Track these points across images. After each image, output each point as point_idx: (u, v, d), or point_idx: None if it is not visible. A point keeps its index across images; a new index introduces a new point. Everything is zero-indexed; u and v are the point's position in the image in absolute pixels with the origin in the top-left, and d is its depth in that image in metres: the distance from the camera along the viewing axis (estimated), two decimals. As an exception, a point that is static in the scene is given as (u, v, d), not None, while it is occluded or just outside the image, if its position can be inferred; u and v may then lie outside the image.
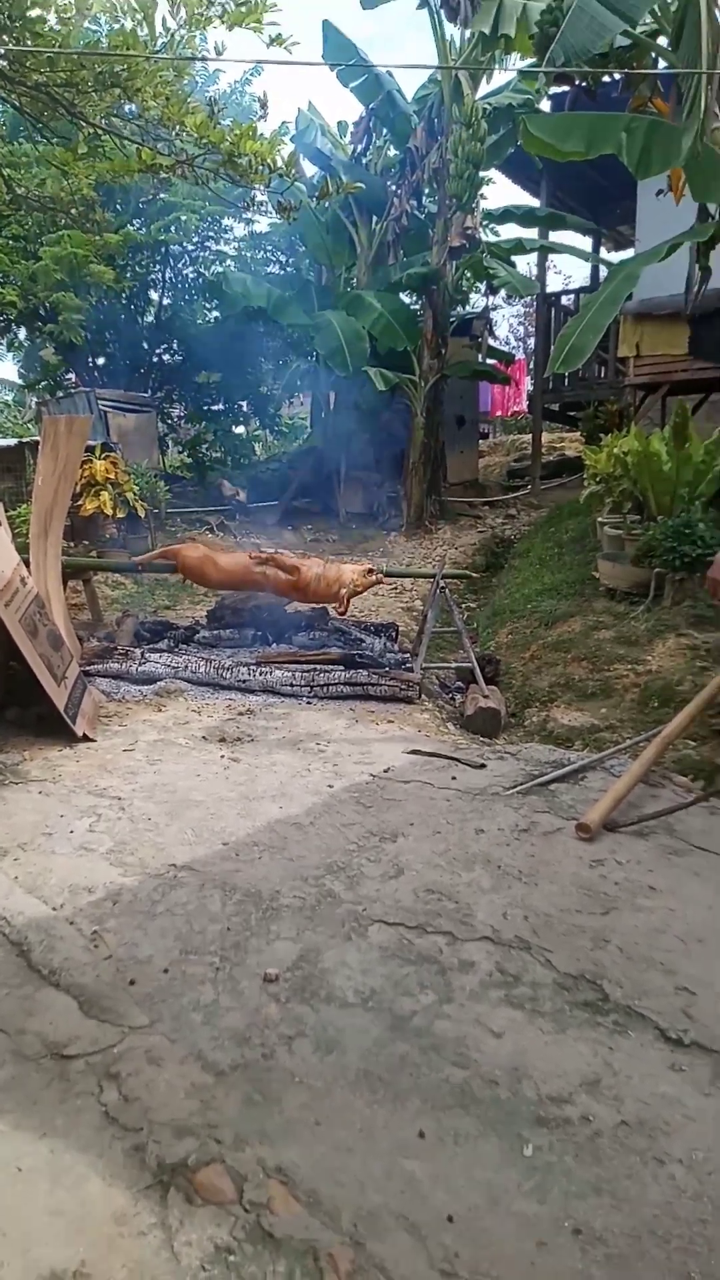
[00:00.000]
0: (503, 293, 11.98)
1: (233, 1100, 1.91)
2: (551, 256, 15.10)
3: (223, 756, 3.96)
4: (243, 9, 5.49)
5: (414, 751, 4.04)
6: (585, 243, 15.12)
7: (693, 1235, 1.63)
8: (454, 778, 3.69)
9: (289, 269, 14.53)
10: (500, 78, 12.31)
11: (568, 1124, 1.86)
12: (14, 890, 2.69)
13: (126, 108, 6.39)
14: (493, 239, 12.60)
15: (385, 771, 3.76)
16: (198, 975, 2.30)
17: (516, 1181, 1.74)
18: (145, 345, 13.70)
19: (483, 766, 3.83)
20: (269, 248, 14.52)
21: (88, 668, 5.22)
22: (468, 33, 10.93)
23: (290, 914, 2.58)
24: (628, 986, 2.27)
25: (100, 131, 6.75)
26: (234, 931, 2.49)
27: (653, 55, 7.08)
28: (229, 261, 13.96)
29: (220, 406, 14.98)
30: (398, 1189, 1.71)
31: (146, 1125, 1.84)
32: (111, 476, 8.33)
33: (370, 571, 5.85)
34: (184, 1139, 1.81)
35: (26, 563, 4.72)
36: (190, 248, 13.55)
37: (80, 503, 8.04)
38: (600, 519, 7.35)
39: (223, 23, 5.59)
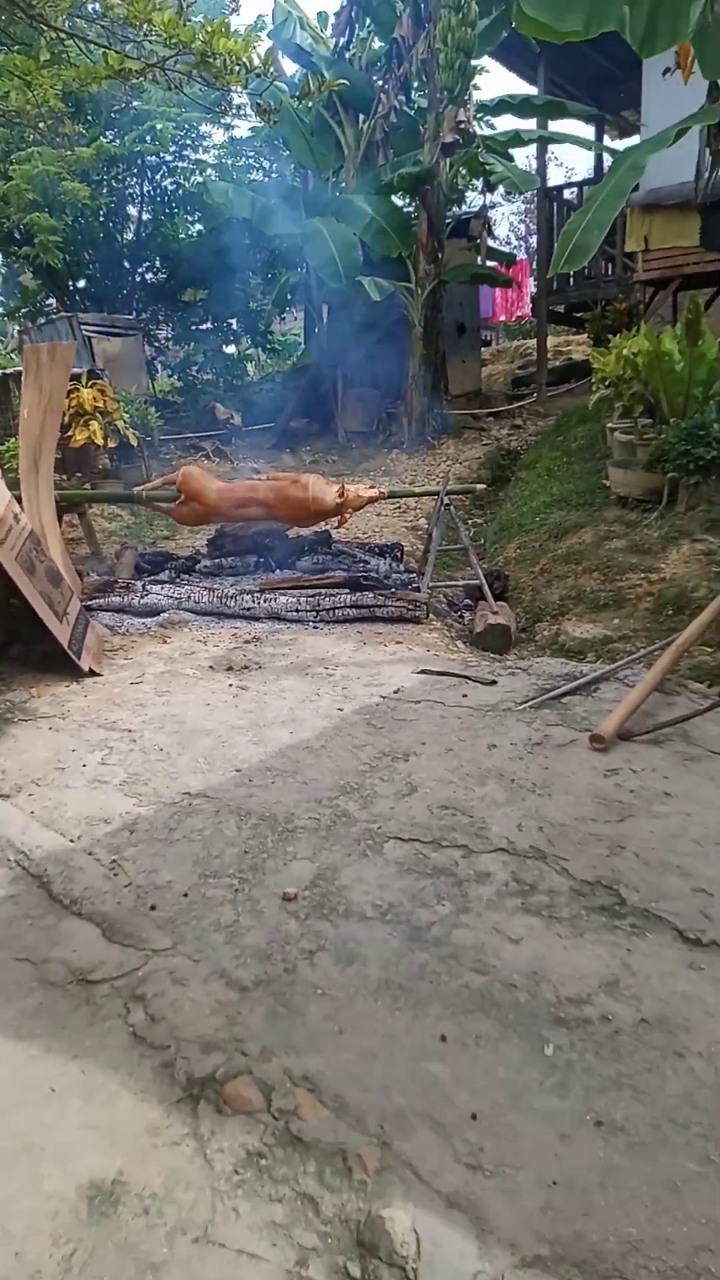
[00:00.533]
0: (501, 189, 11.58)
1: (257, 1014, 1.97)
2: (552, 148, 14.43)
3: (231, 685, 3.99)
4: None
5: (423, 671, 4.06)
6: (588, 131, 14.47)
7: (713, 1121, 1.70)
8: (465, 695, 3.71)
9: (273, 176, 14.03)
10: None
11: (587, 1023, 1.93)
12: (31, 825, 2.75)
13: (89, 7, 6.09)
14: (488, 132, 12.10)
15: (395, 693, 3.79)
16: (217, 898, 2.36)
17: (538, 1080, 1.80)
18: (126, 265, 13.35)
19: (493, 683, 3.85)
20: (250, 154, 14.01)
21: (89, 602, 5.23)
22: None
23: (306, 835, 2.63)
24: (645, 890, 2.32)
25: (63, 36, 6.44)
26: (251, 854, 2.55)
27: None
28: (209, 171, 13.48)
29: (209, 326, 14.66)
30: (421, 1091, 1.78)
31: (174, 1043, 1.91)
32: (100, 405, 8.19)
33: (371, 488, 5.81)
34: (211, 1054, 1.88)
35: (18, 499, 4.69)
36: (168, 158, 13.08)
37: (69, 434, 7.94)
38: (610, 424, 7.22)
39: None
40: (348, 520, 5.75)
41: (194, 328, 14.49)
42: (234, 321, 14.87)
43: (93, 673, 4.12)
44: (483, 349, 16.56)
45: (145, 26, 5.70)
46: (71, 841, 2.66)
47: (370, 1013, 1.97)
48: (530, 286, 18.66)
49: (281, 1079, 1.81)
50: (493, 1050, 1.87)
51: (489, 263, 13.37)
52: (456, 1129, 1.70)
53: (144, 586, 5.49)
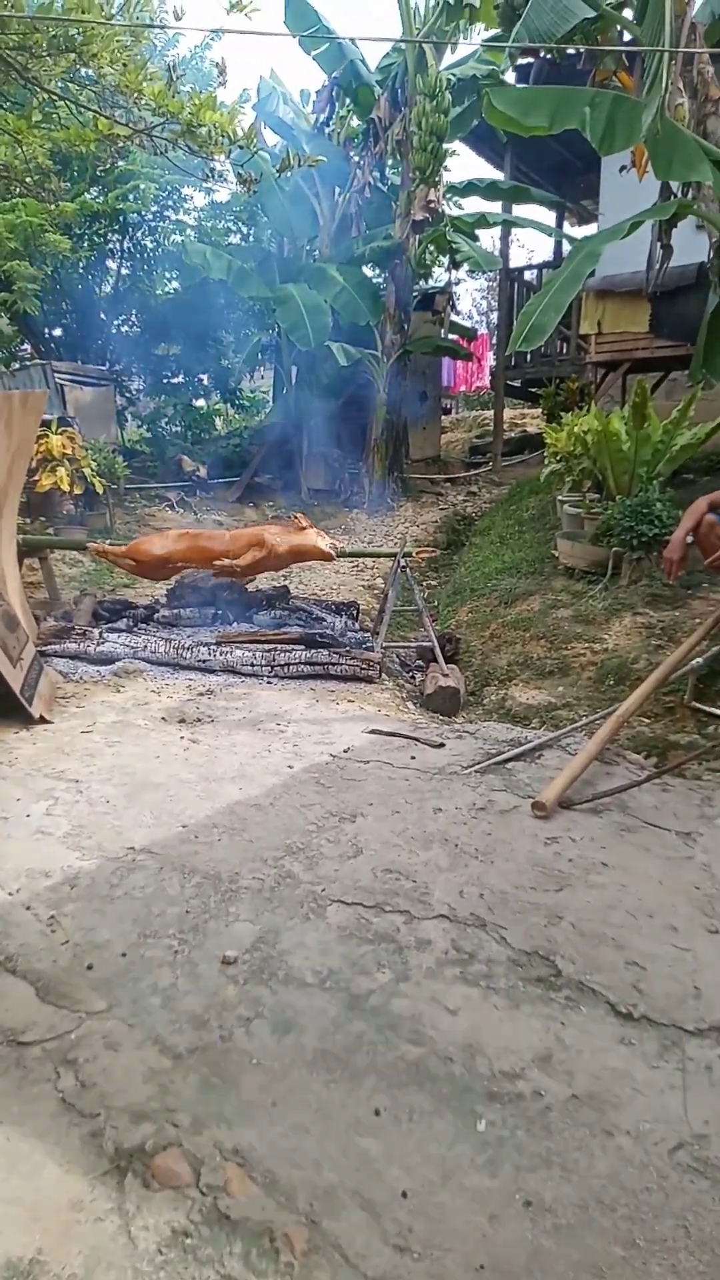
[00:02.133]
0: (465, 267, 11.92)
1: (190, 1084, 1.92)
2: (515, 231, 15.09)
3: (182, 738, 3.95)
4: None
5: (374, 731, 4.06)
6: (549, 217, 15.08)
7: (638, 1203, 1.68)
8: (413, 757, 3.72)
9: (250, 240, 14.31)
10: (465, 48, 12.18)
11: (520, 1099, 1.90)
12: (-31, 876, 2.67)
13: (82, 73, 6.21)
14: (456, 213, 12.53)
15: (345, 751, 3.78)
16: (156, 959, 2.31)
17: (469, 1156, 1.77)
18: (103, 316, 13.44)
19: (441, 745, 3.86)
20: (230, 218, 14.29)
21: (44, 648, 5.16)
22: (432, 1, 10.78)
23: (249, 896, 2.59)
24: (580, 962, 2.31)
25: (55, 98, 6.56)
26: (193, 914, 2.50)
27: (618, 28, 7.04)
28: (189, 231, 13.71)
29: (180, 380, 14.78)
30: (353, 1167, 1.74)
31: (104, 1111, 1.84)
32: (68, 452, 8.19)
33: (331, 545, 5.88)
34: (141, 1124, 1.82)
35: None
36: (149, 217, 13.27)
37: (36, 478, 7.90)
38: (560, 497, 7.39)
39: (180, -15, 5.45)
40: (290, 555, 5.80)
41: (165, 380, 14.59)
42: (205, 377, 15.01)
43: (44, 720, 4.05)
44: (443, 417, 16.94)
45: (136, 95, 5.84)
46: (10, 895, 2.58)
47: (305, 1084, 1.92)
48: (489, 360, 19.18)
49: (212, 1152, 1.76)
50: (426, 1125, 1.84)
51: (451, 336, 13.72)
52: (386, 1208, 1.66)
53: (101, 634, 5.43)
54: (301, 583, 7.99)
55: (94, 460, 8.78)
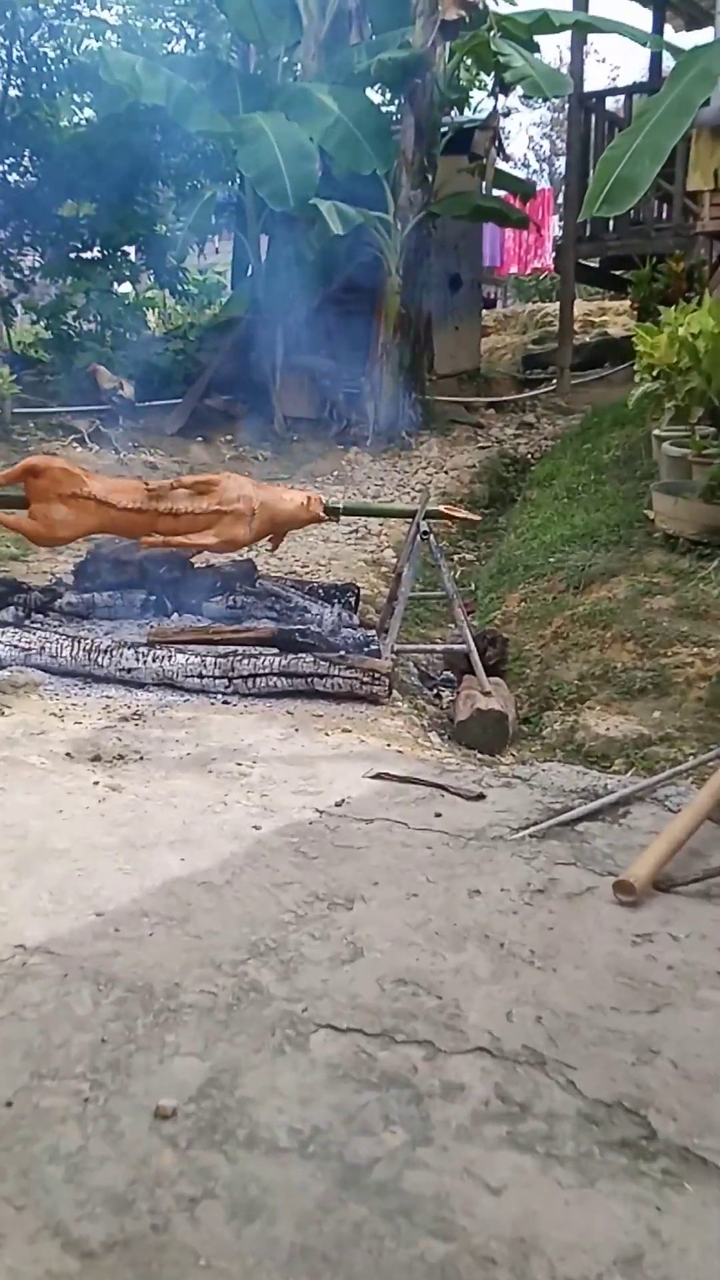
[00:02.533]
0: (519, 91, 11.93)
1: (107, 1294, 1.93)
2: (592, 38, 15.08)
3: (97, 784, 3.97)
4: None
5: (380, 776, 4.09)
6: (643, 19, 15.11)
7: None
8: (438, 814, 3.74)
9: (200, 48, 14.36)
10: None
11: (595, 1320, 1.91)
12: None
13: None
14: (506, 10, 12.52)
15: (338, 805, 3.80)
16: (57, 1110, 2.32)
17: None
18: (-18, 160, 13.50)
19: (480, 798, 3.89)
20: (170, 15, 14.33)
21: None
22: None
23: (195, 1017, 2.61)
24: (684, 1119, 2.32)
25: None
26: (111, 1044, 2.51)
27: None
28: (109, 35, 13.74)
29: (95, 255, 14.79)
30: None
31: (-22, 1334, 1.85)
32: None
33: (313, 501, 5.90)
34: None
35: None
36: (49, 12, 13.30)
37: None
38: (658, 432, 7.41)
39: None
40: (275, 545, 5.83)
41: (74, 256, 14.59)
42: (132, 251, 15.03)
43: None
44: (484, 313, 17.00)
45: None
46: None
47: (277, 1296, 1.93)
48: (554, 229, 19.27)
49: None
50: None
51: (498, 192, 13.76)
52: None
53: (-24, 629, 5.46)
54: (275, 554, 8.00)
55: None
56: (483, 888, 3.24)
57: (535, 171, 23.96)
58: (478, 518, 7.89)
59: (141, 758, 4.26)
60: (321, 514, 6.01)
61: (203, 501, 5.79)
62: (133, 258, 15.21)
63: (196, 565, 6.48)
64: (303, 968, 2.82)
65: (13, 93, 13.61)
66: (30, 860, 3.36)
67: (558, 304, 14.73)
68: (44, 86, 13.66)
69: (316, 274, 12.70)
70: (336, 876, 3.30)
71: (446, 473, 10.96)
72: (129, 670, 5.19)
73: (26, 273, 14.70)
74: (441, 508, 6.08)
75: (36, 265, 14.80)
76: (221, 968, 2.81)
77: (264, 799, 3.87)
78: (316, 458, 11.76)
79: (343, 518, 6.63)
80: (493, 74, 11.91)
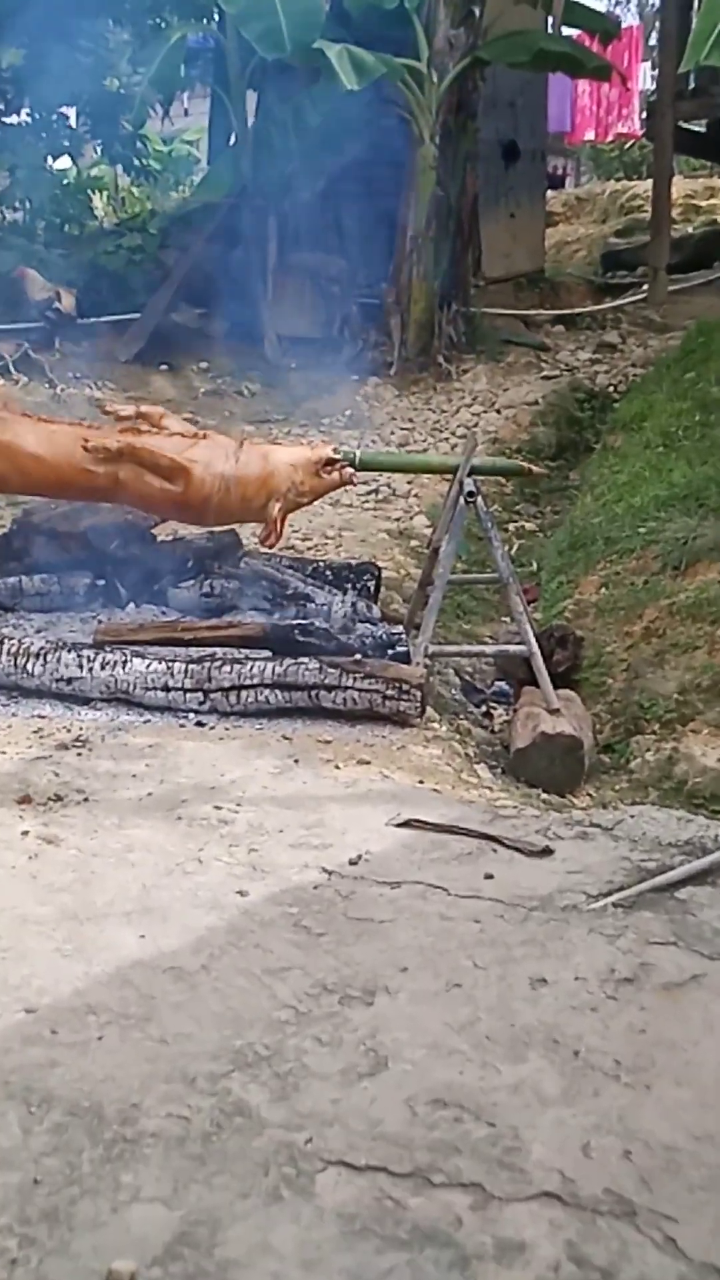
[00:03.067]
0: None
1: None
2: None
3: (27, 834, 3.96)
4: None
5: (410, 824, 4.07)
6: None
7: None
8: (489, 876, 3.72)
9: None
10: None
11: None
12: None
13: None
14: None
15: (353, 863, 3.79)
16: (-27, 1276, 2.31)
17: None
18: None
19: (547, 853, 3.86)
20: None
21: None
22: None
23: (161, 1149, 2.59)
24: None
25: None
26: (47, 1186, 2.50)
27: None
28: None
29: (23, 119, 14.82)
30: None
31: None
32: None
33: (329, 465, 5.85)
34: None
35: None
36: None
37: None
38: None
39: None
40: (278, 535, 5.79)
41: (-6, 122, 14.64)
42: (72, 114, 15.03)
43: None
44: (549, 194, 16.93)
45: None
46: None
47: None
48: (645, 82, 19.19)
49: None
50: None
51: (568, 31, 13.69)
52: None
53: None
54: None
55: None
56: (550, 975, 3.20)
57: (619, 5, 23.89)
58: (543, 472, 7.88)
59: (86, 799, 4.24)
60: (343, 474, 5.92)
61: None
62: (73, 122, 15.21)
63: (160, 537, 6.47)
64: (306, 1084, 2.79)
65: None
66: (-64, 937, 3.35)
67: (649, 182, 14.68)
68: None
69: (322, 144, 12.66)
70: (351, 960, 3.27)
71: (498, 411, 10.93)
72: (69, 681, 5.19)
73: None
74: (491, 462, 6.06)
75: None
76: (196, 1083, 2.78)
77: (252, 855, 3.84)
78: (322, 392, 11.73)
79: (358, 474, 6.60)
80: None
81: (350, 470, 5.94)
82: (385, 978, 3.20)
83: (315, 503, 7.92)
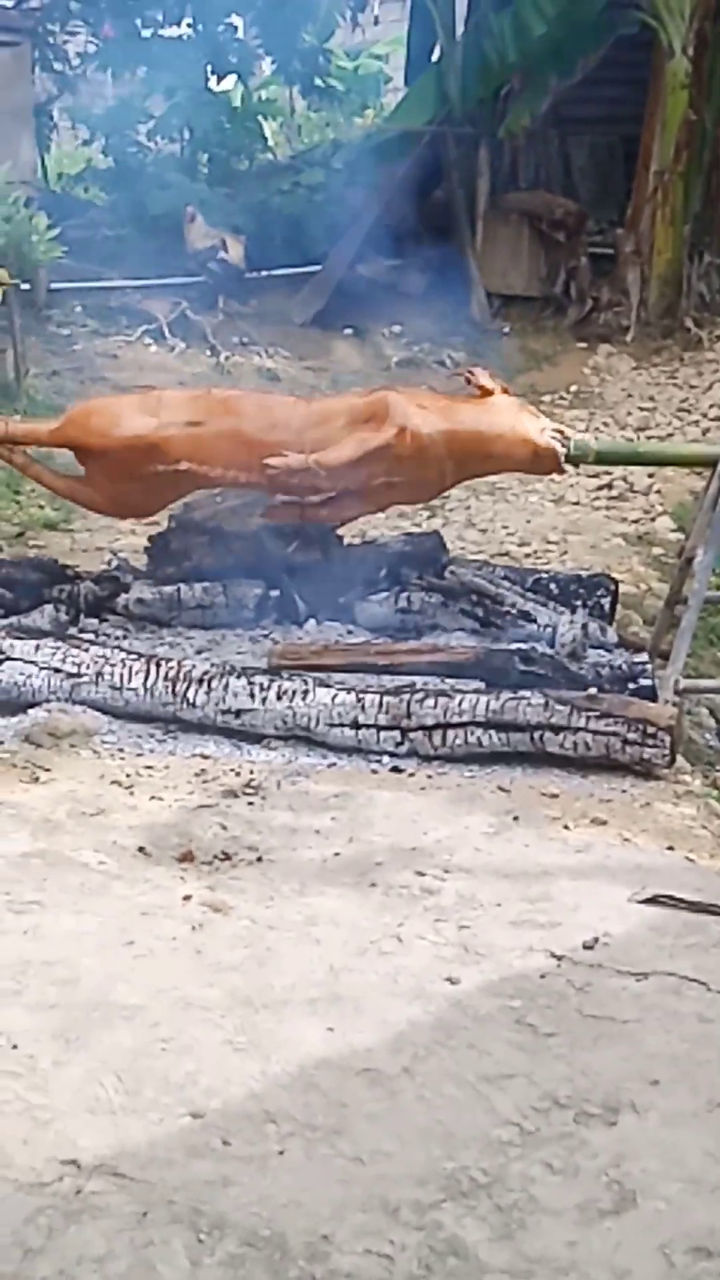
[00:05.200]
0: None
1: None
2: None
3: (189, 899, 3.99)
4: None
5: (659, 900, 4.03)
6: None
7: None
8: (759, 967, 3.66)
9: None
10: None
11: None
12: None
13: None
14: None
15: (588, 948, 3.76)
16: None
17: None
18: None
19: None
20: None
21: None
22: None
23: (355, 1294, 2.59)
24: None
25: None
26: (221, 1332, 2.51)
27: None
28: None
29: (181, 32, 14.90)
30: None
31: None
32: None
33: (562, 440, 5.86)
34: None
35: None
36: None
37: None
38: None
39: None
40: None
41: (146, 35, 14.74)
42: (238, 24, 15.13)
43: None
44: None
45: None
46: None
47: None
48: None
49: None
50: None
51: None
52: None
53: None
54: (470, 523, 8.04)
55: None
56: None
57: None
58: None
59: (259, 858, 4.26)
60: (560, 458, 5.93)
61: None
62: (240, 34, 15.30)
63: (346, 539, 6.50)
64: (534, 1220, 2.77)
65: None
66: (84, 1023, 3.37)
67: None
68: None
69: (547, 58, 12.65)
70: (588, 1069, 3.23)
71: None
72: (238, 714, 5.22)
73: (74, 61, 14.92)
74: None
75: (88, 49, 15.02)
76: (398, 1214, 2.77)
77: (463, 933, 3.81)
78: (541, 362, 11.72)
79: (591, 467, 6.55)
80: None
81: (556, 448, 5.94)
82: (631, 1092, 3.16)
83: (535, 500, 7.97)
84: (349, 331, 12.18)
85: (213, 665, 5.45)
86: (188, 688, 5.29)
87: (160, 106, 14.72)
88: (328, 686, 5.28)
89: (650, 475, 8.81)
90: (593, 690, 5.28)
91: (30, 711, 5.28)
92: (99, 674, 5.37)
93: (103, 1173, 2.89)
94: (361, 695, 5.21)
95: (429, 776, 4.99)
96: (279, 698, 5.22)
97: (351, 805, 4.67)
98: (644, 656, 5.78)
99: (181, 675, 5.34)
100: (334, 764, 5.08)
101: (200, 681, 5.31)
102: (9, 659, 5.44)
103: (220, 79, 15.48)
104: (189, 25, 14.75)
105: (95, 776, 4.84)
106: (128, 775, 4.86)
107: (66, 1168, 2.90)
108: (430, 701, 5.16)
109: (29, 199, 10.89)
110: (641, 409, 10.58)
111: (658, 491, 8.69)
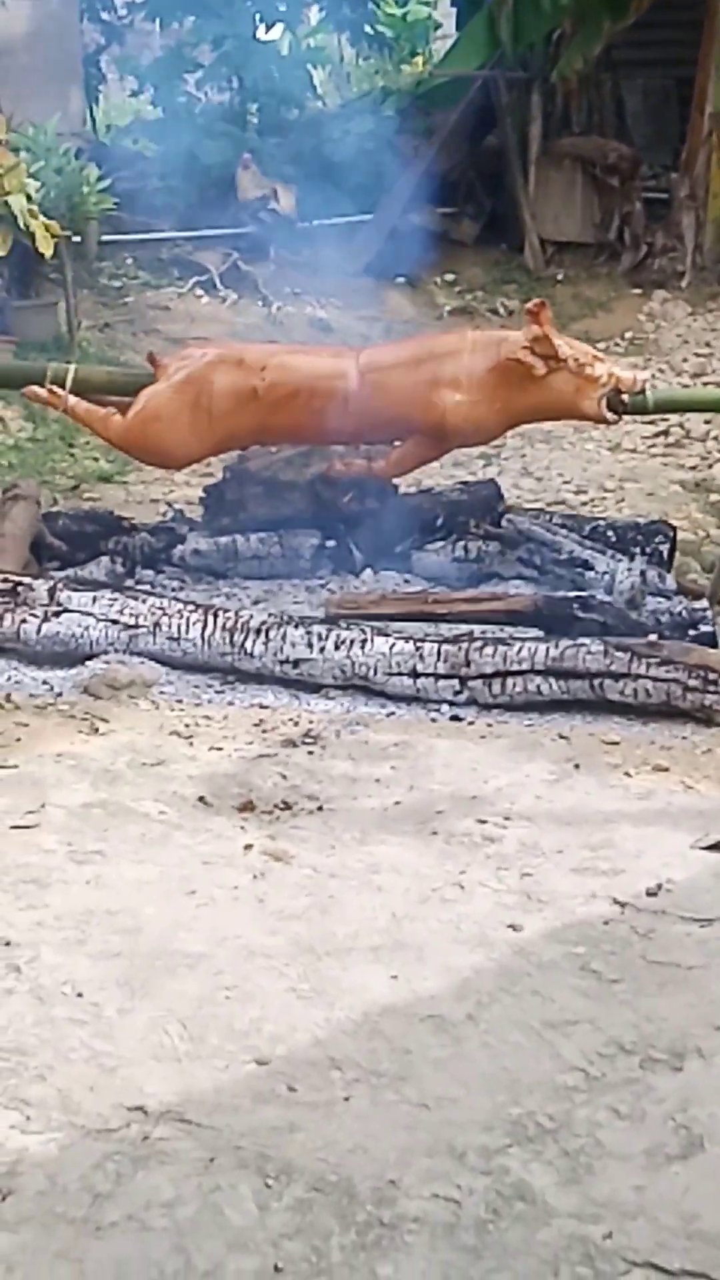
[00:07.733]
0: None
1: None
2: None
3: (250, 849, 4.01)
4: None
5: (720, 845, 4.04)
6: None
7: None
8: None
9: None
10: None
11: None
12: None
13: None
14: None
15: (652, 894, 3.76)
16: None
17: None
18: None
19: None
20: None
21: None
22: None
23: (426, 1239, 2.59)
24: None
25: None
26: (289, 1275, 2.50)
27: None
28: None
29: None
30: None
31: None
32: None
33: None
34: None
35: None
36: None
37: None
38: None
39: None
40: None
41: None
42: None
43: None
44: None
45: None
46: None
47: None
48: None
49: None
50: None
51: None
52: None
53: (51, 594, 5.58)
54: (525, 471, 8.00)
55: (35, 176, 9.01)
56: None
57: None
58: None
59: (320, 807, 4.27)
60: (606, 411, 5.90)
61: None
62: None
63: (402, 488, 6.48)
64: (601, 1165, 2.77)
65: None
66: (147, 971, 3.39)
67: None
68: None
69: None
70: (653, 1014, 3.23)
71: None
72: (296, 664, 5.23)
73: (121, 11, 14.91)
74: None
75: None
76: (465, 1159, 2.78)
77: (525, 881, 3.82)
78: (595, 309, 11.66)
79: (649, 416, 6.51)
80: None
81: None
82: (697, 1037, 3.16)
83: (591, 447, 7.94)
84: (401, 280, 12.15)
85: (270, 615, 5.46)
86: (245, 638, 5.30)
87: (208, 56, 14.70)
88: (385, 635, 5.28)
89: (707, 421, 8.75)
90: (653, 637, 5.26)
91: (89, 663, 5.32)
92: (156, 625, 5.40)
93: (169, 1119, 2.91)
94: (420, 644, 5.21)
95: (488, 725, 5.00)
96: (337, 647, 5.22)
97: (411, 754, 4.68)
98: (703, 603, 5.75)
99: (239, 625, 5.35)
100: (393, 713, 5.10)
101: (258, 631, 5.32)
102: (67, 610, 5.46)
103: (268, 27, 15.43)
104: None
105: (154, 727, 4.86)
106: (186, 726, 4.88)
107: (133, 1114, 2.92)
108: (489, 649, 5.17)
109: (79, 150, 10.89)
110: (698, 355, 10.51)
111: (715, 438, 8.65)
